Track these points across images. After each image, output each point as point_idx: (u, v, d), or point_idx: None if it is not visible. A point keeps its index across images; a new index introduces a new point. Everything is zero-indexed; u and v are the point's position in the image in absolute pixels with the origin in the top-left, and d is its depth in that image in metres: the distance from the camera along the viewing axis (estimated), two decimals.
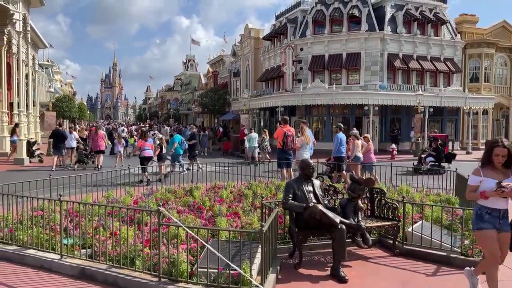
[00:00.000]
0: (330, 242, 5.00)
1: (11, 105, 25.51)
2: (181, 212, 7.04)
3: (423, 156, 16.20)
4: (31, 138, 20.89)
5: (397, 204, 5.77)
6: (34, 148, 19.15)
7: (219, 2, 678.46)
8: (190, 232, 4.25)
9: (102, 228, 5.64)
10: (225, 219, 6.08)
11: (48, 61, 59.99)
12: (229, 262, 4.08)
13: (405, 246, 5.76)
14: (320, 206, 4.83)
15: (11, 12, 17.63)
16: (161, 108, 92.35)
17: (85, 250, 5.42)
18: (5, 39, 20.96)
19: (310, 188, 5.27)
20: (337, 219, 4.79)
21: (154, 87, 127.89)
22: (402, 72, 28.28)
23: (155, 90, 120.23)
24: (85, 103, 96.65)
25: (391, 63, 27.51)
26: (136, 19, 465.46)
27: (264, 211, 5.72)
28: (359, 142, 11.54)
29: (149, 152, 13.26)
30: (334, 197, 5.92)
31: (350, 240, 5.31)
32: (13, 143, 18.59)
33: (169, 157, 15.26)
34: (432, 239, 5.60)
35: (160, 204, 7.81)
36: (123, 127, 34.63)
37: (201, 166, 14.20)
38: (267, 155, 19.40)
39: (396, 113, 28.41)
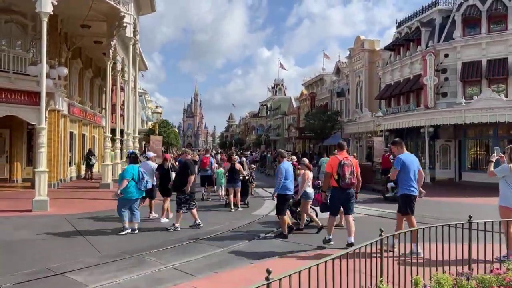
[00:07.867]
0: None
1: (113, 131, 23.07)
2: None
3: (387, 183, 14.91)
4: None
5: None
6: None
7: (302, 33, 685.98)
8: None
9: None
10: None
11: (141, 89, 60.50)
12: None
13: None
14: None
15: (122, 14, 14.47)
16: (245, 135, 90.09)
17: None
18: (111, 52, 18.27)
19: None
20: None
21: (236, 115, 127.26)
22: None
23: (237, 118, 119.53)
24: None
25: None
26: (223, 54, 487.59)
27: None
28: (310, 174, 9.44)
29: None
30: None
31: None
32: None
33: None
34: None
35: None
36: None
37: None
38: None
39: None
